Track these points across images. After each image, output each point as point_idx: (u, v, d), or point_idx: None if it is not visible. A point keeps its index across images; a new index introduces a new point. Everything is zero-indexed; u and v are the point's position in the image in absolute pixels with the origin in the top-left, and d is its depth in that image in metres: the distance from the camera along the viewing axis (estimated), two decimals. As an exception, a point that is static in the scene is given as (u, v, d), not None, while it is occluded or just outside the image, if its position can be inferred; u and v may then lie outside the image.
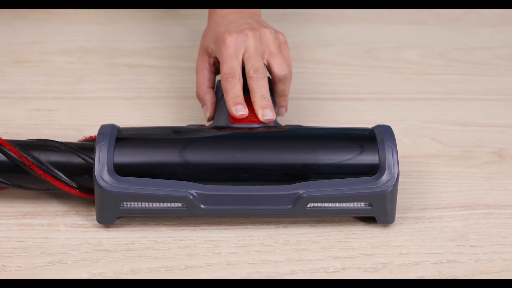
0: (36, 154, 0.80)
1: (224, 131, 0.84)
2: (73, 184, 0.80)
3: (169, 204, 0.79)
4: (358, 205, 0.80)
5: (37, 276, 0.76)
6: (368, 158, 0.80)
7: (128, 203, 0.79)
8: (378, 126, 0.83)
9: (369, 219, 0.83)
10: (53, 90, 1.03)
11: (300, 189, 0.79)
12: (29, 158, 0.79)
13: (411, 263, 0.78)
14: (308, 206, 0.79)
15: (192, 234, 0.81)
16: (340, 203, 0.80)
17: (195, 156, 0.80)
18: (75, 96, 1.02)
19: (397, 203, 0.82)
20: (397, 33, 1.18)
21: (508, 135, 0.98)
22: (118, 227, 0.82)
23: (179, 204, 0.79)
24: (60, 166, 0.80)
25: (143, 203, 0.79)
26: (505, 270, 0.78)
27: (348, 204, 0.80)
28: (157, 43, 1.13)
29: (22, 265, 0.77)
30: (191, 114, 0.98)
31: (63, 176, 0.80)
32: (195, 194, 0.79)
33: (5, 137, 0.93)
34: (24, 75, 1.06)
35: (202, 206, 0.79)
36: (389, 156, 0.80)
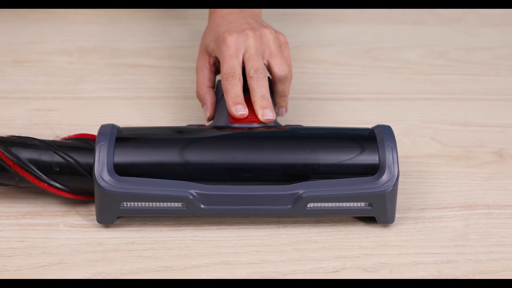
0: (9, 146, 0.80)
1: (224, 131, 0.84)
2: (44, 178, 0.80)
3: (169, 204, 0.79)
4: (358, 205, 0.80)
5: (37, 276, 0.76)
6: (368, 158, 0.80)
7: (128, 203, 0.79)
8: (378, 126, 0.83)
9: (369, 219, 0.83)
10: (53, 90, 1.03)
11: (300, 189, 0.79)
12: (0, 149, 0.79)
13: (411, 263, 0.78)
14: (308, 206, 0.79)
15: (192, 234, 0.81)
16: (340, 203, 0.80)
17: (195, 156, 0.80)
18: (75, 96, 1.02)
19: (397, 203, 0.82)
20: (397, 33, 1.18)
21: (508, 135, 0.98)
22: (118, 227, 0.82)
23: (179, 204, 0.79)
24: (33, 161, 0.80)
25: (143, 203, 0.79)
26: (505, 270, 0.78)
27: (348, 204, 0.80)
28: (157, 43, 1.13)
29: (22, 265, 0.77)
30: (191, 114, 0.98)
31: (34, 169, 0.80)
32: (195, 194, 0.79)
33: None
34: (24, 75, 1.06)
35: (202, 206, 0.79)
36: (389, 156, 0.80)
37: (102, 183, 0.78)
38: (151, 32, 1.16)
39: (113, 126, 0.81)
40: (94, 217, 0.81)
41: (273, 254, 0.79)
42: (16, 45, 1.12)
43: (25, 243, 0.79)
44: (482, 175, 0.91)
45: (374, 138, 0.81)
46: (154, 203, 0.79)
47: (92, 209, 0.83)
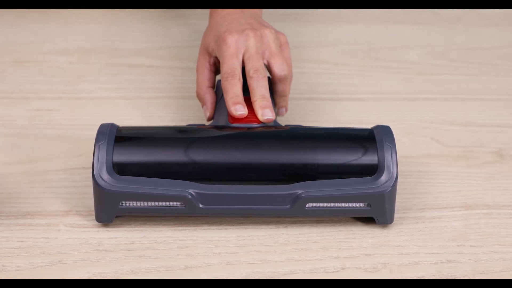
0: None
1: (223, 131, 0.84)
2: None
3: (167, 203, 0.79)
4: (357, 205, 0.80)
5: (37, 276, 0.76)
6: (367, 158, 0.80)
7: (127, 202, 0.79)
8: (378, 127, 0.82)
9: (368, 219, 0.83)
10: (53, 90, 1.03)
11: (299, 189, 0.79)
12: None
13: (411, 263, 0.78)
14: (307, 206, 0.79)
15: (192, 234, 0.81)
16: (338, 203, 0.80)
17: (194, 155, 0.80)
18: (75, 96, 1.02)
19: (397, 203, 0.82)
20: (397, 33, 1.18)
21: (508, 135, 0.98)
22: (118, 227, 0.82)
23: (178, 204, 0.79)
24: None
25: (141, 202, 0.79)
26: (505, 270, 0.78)
27: (346, 205, 0.80)
28: (157, 43, 1.13)
29: (22, 265, 0.77)
30: (191, 114, 0.98)
31: None
32: (193, 193, 0.79)
33: (5, 137, 0.94)
34: (24, 75, 1.06)
35: (200, 205, 0.79)
36: (388, 157, 0.80)
37: (101, 182, 0.78)
38: (151, 32, 1.16)
39: (112, 125, 0.81)
40: (94, 217, 0.81)
41: (273, 254, 0.79)
42: (16, 45, 1.12)
43: (25, 243, 0.79)
44: (482, 175, 0.91)
45: (373, 138, 0.81)
46: (152, 202, 0.79)
47: (92, 209, 0.83)
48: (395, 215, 0.82)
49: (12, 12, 1.17)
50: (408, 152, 0.94)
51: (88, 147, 0.90)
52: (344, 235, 0.81)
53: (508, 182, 0.90)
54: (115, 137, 0.80)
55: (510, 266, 0.78)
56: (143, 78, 1.06)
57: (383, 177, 0.79)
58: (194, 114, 0.98)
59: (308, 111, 1.00)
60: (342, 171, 0.80)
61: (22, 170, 0.88)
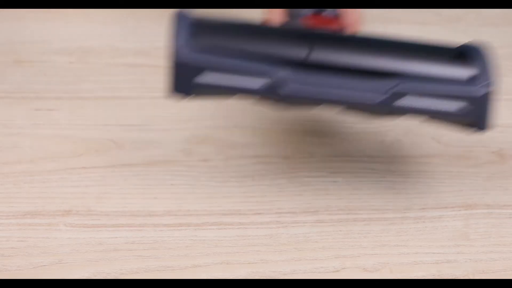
0: None
1: (314, 31, 0.78)
2: None
3: (250, 81, 0.72)
4: (454, 107, 0.75)
5: (37, 276, 0.76)
6: (464, 65, 0.78)
7: (205, 76, 0.73)
8: (470, 42, 0.80)
9: (368, 219, 0.83)
10: (53, 90, 1.03)
11: (395, 81, 0.73)
12: None
13: (411, 263, 0.78)
14: (400, 102, 0.73)
15: (192, 234, 0.81)
16: (435, 101, 0.74)
17: (281, 43, 0.74)
18: (75, 96, 1.02)
19: (397, 203, 0.82)
20: (397, 33, 1.18)
21: (508, 135, 0.98)
22: (118, 226, 0.82)
23: (262, 83, 0.72)
24: None
25: (221, 77, 0.72)
26: (505, 270, 0.78)
27: (443, 106, 0.75)
28: (157, 43, 1.13)
29: (22, 265, 0.77)
30: (191, 114, 0.98)
31: None
32: (281, 73, 0.72)
33: (7, 137, 0.94)
34: (24, 75, 1.06)
35: (286, 87, 0.72)
36: (485, 64, 0.77)
37: (179, 51, 0.73)
38: (151, 32, 1.16)
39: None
40: (94, 217, 0.81)
41: (273, 254, 0.79)
42: (16, 45, 1.12)
43: (25, 243, 0.79)
44: (482, 175, 0.91)
45: (469, 48, 0.79)
46: (234, 77, 0.72)
47: (92, 209, 0.83)
48: (395, 215, 0.82)
49: (12, 12, 1.17)
50: (408, 152, 0.94)
51: (88, 147, 0.90)
52: (344, 235, 0.82)
53: (509, 182, 0.90)
54: (197, 18, 0.75)
55: (510, 266, 0.78)
56: (143, 78, 1.06)
57: (481, 81, 0.76)
58: (194, 114, 0.98)
59: (308, 111, 1.00)
60: (439, 76, 0.76)
61: (22, 170, 0.89)
